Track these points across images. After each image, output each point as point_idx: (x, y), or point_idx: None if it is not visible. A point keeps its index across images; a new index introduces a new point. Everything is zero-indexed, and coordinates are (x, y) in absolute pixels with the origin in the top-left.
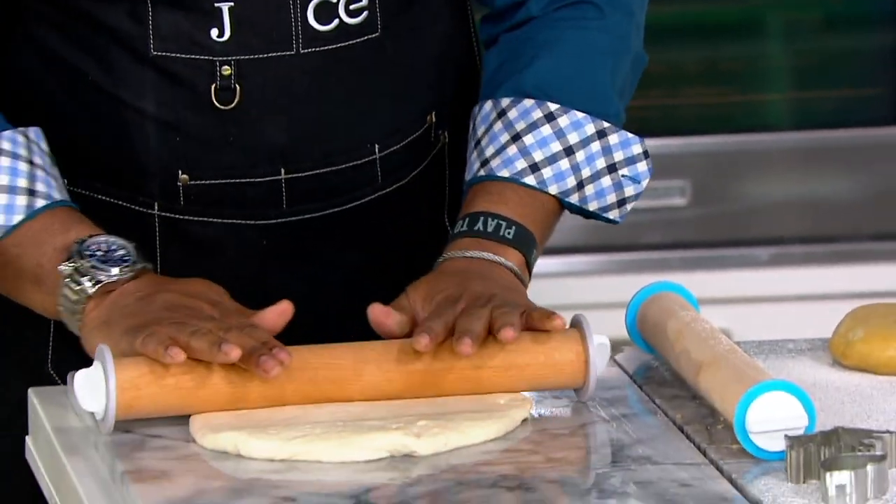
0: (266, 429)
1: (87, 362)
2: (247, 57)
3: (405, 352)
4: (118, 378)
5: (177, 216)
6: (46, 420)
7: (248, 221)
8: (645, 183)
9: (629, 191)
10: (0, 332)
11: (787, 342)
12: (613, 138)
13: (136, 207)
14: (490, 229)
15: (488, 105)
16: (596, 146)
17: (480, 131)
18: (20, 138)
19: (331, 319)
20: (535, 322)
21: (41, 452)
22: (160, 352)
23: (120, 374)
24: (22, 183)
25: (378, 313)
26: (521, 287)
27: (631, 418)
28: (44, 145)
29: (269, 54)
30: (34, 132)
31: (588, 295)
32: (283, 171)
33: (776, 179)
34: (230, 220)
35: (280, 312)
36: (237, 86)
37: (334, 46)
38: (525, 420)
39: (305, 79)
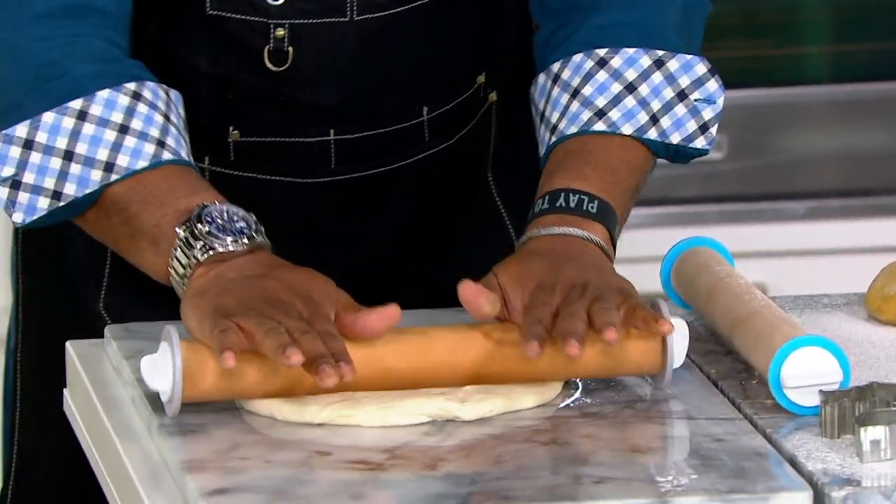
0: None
1: (137, 303)
2: (301, 21)
3: (479, 340)
4: (184, 365)
5: (227, 171)
6: (84, 373)
7: (297, 179)
8: (721, 101)
9: (707, 114)
10: (55, 269)
11: (822, 297)
12: (673, 64)
13: None
14: (573, 205)
15: (541, 78)
16: (657, 76)
17: (542, 104)
18: (161, 93)
19: (376, 277)
20: (640, 323)
21: (79, 405)
22: (271, 347)
23: (186, 360)
24: (154, 132)
25: (469, 292)
26: (609, 265)
27: None
28: (181, 109)
29: (323, 20)
30: (175, 94)
31: (624, 249)
32: (332, 132)
33: (813, 133)
34: (279, 178)
35: (386, 316)
36: (290, 48)
37: (388, 13)
38: (570, 382)
39: (358, 43)
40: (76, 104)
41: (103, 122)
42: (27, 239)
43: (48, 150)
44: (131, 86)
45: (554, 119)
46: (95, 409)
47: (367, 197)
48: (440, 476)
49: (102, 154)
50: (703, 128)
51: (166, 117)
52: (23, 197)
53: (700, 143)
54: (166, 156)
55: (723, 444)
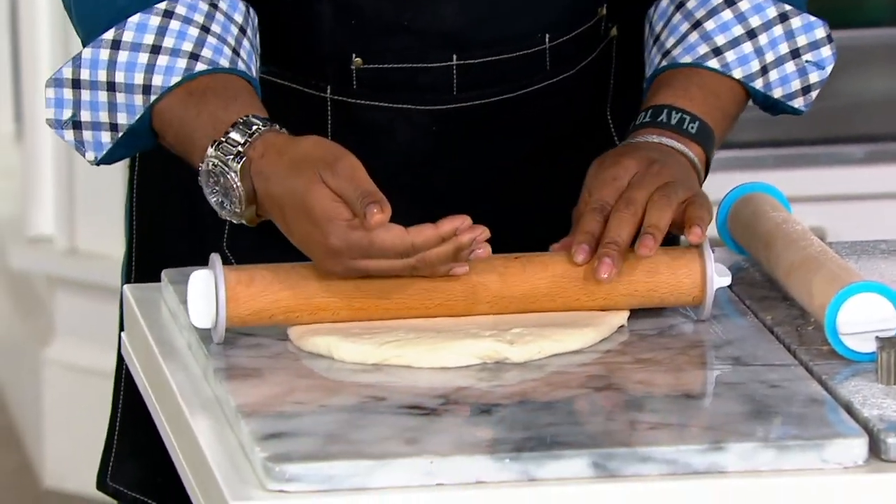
0: (360, 334)
1: (262, 244)
2: None
3: (533, 264)
4: (227, 290)
5: (349, 100)
6: (141, 317)
7: (419, 106)
8: (829, 69)
9: (813, 77)
10: (176, 216)
11: (879, 242)
12: (796, 22)
13: (309, 91)
14: (674, 122)
15: (665, 1)
16: (778, 30)
17: (659, 27)
18: (202, 5)
19: (496, 203)
20: (685, 218)
21: (136, 348)
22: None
23: (229, 286)
24: (187, 47)
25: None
26: (695, 177)
27: (721, 319)
28: (238, 17)
29: None
30: (228, 4)
31: None
32: (454, 57)
33: (872, 75)
34: (401, 105)
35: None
36: None
37: None
38: (621, 328)
39: None
40: (108, 35)
41: (136, 47)
42: (142, 187)
43: (94, 86)
44: (162, 5)
45: (669, 44)
46: (152, 352)
47: (488, 125)
48: (494, 421)
49: (139, 78)
50: (806, 90)
51: (204, 29)
52: (87, 135)
53: (798, 103)
54: (199, 67)
55: (778, 391)
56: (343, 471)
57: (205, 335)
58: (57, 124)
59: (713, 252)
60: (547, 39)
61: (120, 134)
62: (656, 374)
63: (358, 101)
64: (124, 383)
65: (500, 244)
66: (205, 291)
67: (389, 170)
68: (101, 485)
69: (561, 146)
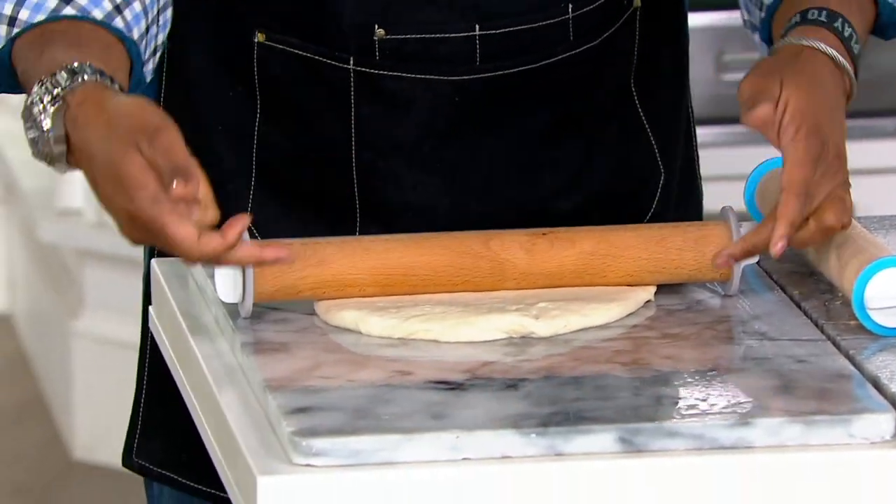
0: (386, 308)
1: (283, 218)
2: None
3: (560, 241)
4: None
5: (371, 71)
6: (168, 290)
7: (441, 77)
8: None
9: None
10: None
11: None
12: None
13: (332, 62)
14: (824, 18)
15: None
16: None
17: None
18: None
19: (518, 174)
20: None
21: (164, 323)
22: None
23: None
24: None
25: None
26: (843, 109)
27: (748, 294)
28: None
29: None
30: None
31: (708, 167)
32: (477, 27)
33: None
34: (423, 76)
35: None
36: None
37: None
38: (648, 302)
39: None
40: None
41: None
42: None
43: None
44: None
45: None
46: (180, 327)
47: (511, 96)
48: (521, 396)
49: (8, 9)
50: None
51: None
52: None
53: None
54: (67, 11)
55: (805, 366)
56: (369, 445)
57: (232, 309)
58: None
59: (741, 227)
60: (570, 9)
61: None
62: (683, 349)
63: (380, 72)
64: (149, 359)
65: (523, 216)
66: (232, 266)
67: (412, 140)
68: (127, 461)
69: (584, 117)
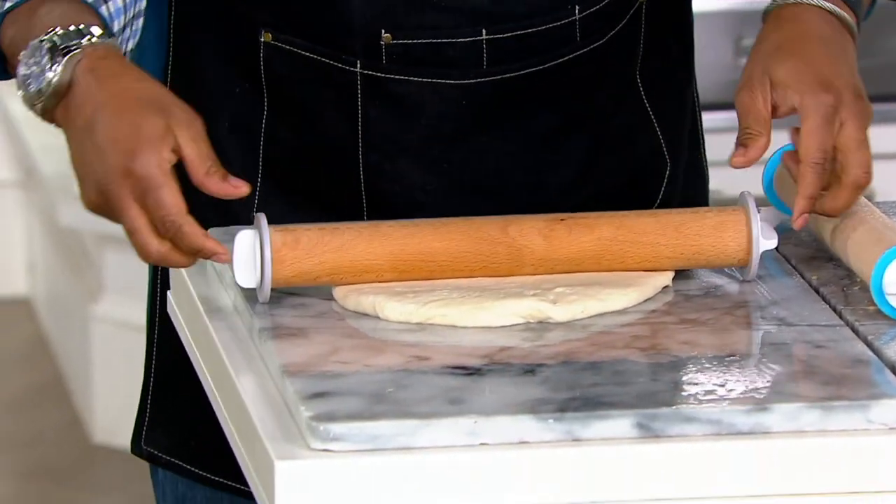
0: (404, 293)
1: (290, 213)
2: None
3: (578, 227)
4: (272, 251)
5: (379, 74)
6: (187, 275)
7: (448, 81)
8: None
9: None
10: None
11: None
12: None
13: (339, 65)
14: None
15: None
16: None
17: None
18: None
19: (525, 180)
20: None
21: (182, 308)
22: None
23: (275, 247)
24: None
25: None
26: (846, 49)
27: (766, 279)
28: None
29: None
30: None
31: (725, 153)
32: (484, 31)
33: None
34: (431, 80)
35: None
36: None
37: None
38: (666, 288)
39: None
40: None
41: None
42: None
43: None
44: None
45: None
46: (198, 311)
47: (518, 98)
48: (538, 381)
49: None
50: None
51: None
52: None
53: None
54: None
55: (823, 351)
56: (387, 430)
57: (250, 294)
58: None
59: (759, 212)
60: (577, 11)
61: None
62: (701, 335)
63: (388, 76)
64: (157, 346)
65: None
66: (250, 252)
67: (419, 143)
68: (136, 448)
69: (590, 114)
